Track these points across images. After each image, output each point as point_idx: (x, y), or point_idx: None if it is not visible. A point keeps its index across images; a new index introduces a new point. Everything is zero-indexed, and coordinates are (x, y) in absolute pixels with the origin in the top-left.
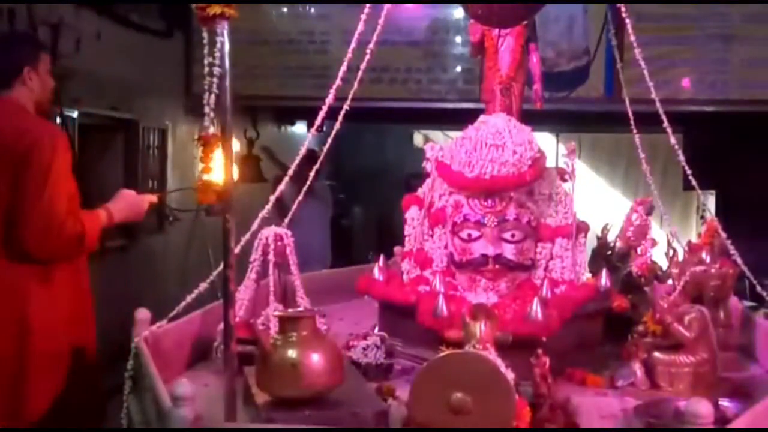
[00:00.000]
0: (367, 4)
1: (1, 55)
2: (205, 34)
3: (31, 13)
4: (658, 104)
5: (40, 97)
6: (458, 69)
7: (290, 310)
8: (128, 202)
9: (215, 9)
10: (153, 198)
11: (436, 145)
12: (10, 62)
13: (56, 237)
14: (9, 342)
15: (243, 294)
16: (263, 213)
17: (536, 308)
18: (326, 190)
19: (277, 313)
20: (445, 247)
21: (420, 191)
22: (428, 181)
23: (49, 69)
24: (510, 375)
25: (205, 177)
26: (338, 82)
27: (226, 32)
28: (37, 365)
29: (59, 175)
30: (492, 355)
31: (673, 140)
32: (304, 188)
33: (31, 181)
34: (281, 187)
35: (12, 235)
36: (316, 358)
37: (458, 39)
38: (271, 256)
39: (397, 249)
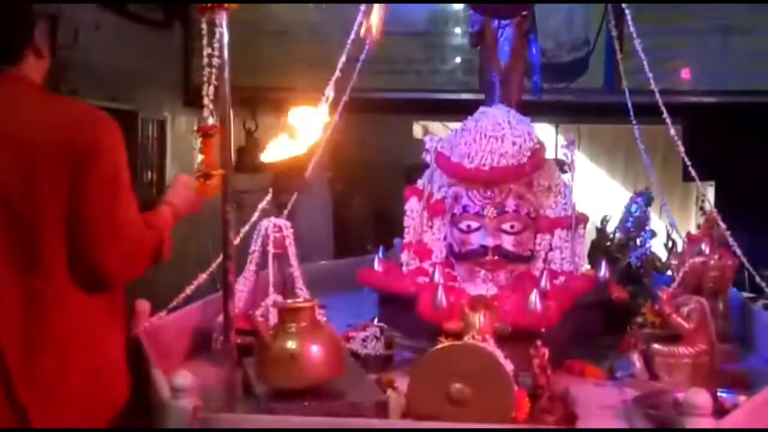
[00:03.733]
0: None
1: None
2: (204, 25)
3: (29, 4)
4: (657, 95)
5: (45, 72)
6: (458, 60)
7: (289, 301)
8: (189, 191)
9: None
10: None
11: (436, 136)
12: (18, 27)
13: (140, 257)
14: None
15: (242, 285)
16: (262, 204)
17: (535, 299)
18: (325, 182)
19: (276, 303)
20: (445, 238)
21: (419, 182)
22: (428, 172)
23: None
24: (509, 366)
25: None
26: (338, 73)
27: (225, 23)
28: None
29: (127, 176)
30: (491, 346)
31: (672, 131)
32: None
33: (99, 190)
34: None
35: (82, 263)
36: (315, 349)
37: (458, 30)
38: (270, 247)
39: (396, 240)
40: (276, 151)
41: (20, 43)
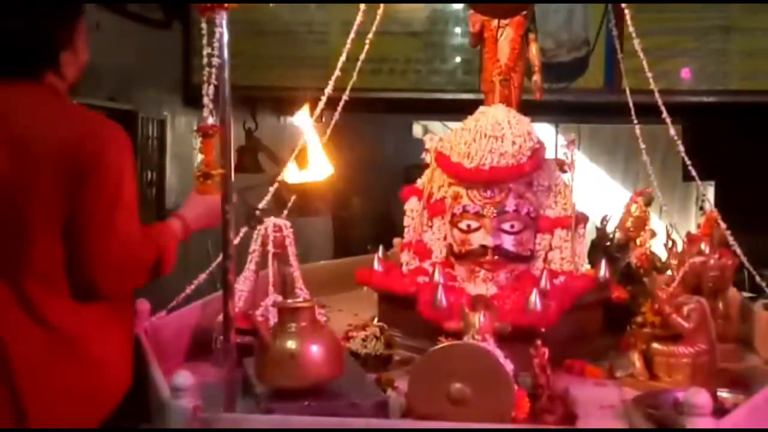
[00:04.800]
0: None
1: (32, 36)
2: (204, 25)
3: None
4: (657, 95)
5: (74, 79)
6: (457, 60)
7: (289, 300)
8: (206, 206)
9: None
10: None
11: (435, 136)
12: (44, 46)
13: (135, 271)
14: (76, 410)
15: (242, 285)
16: (262, 204)
17: (535, 299)
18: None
19: (276, 303)
20: (444, 238)
21: (419, 182)
22: (427, 172)
23: (85, 41)
24: (509, 366)
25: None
26: (337, 72)
27: (225, 22)
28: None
29: (131, 190)
30: (491, 345)
31: (672, 131)
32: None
33: (97, 203)
34: (280, 177)
35: (75, 273)
36: (315, 349)
37: (457, 30)
38: (270, 247)
39: (396, 240)
40: (298, 174)
41: (41, 58)
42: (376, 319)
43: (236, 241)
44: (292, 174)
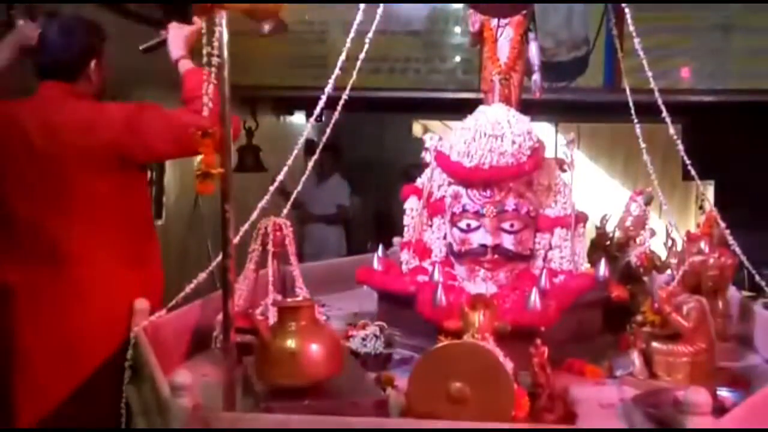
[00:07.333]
0: None
1: (70, 44)
2: (203, 24)
3: (30, 4)
4: (657, 94)
5: (98, 89)
6: (457, 59)
7: (289, 299)
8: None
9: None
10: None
11: (435, 135)
12: (79, 53)
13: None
14: None
15: (242, 284)
16: (262, 203)
17: (535, 298)
18: (341, 184)
19: (276, 302)
20: (444, 237)
21: (419, 181)
22: (427, 171)
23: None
24: (509, 365)
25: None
26: (337, 71)
27: (224, 22)
28: None
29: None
30: (491, 344)
31: (672, 130)
32: (304, 181)
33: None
34: (281, 177)
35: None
36: (314, 348)
37: (457, 29)
38: (270, 246)
39: (396, 239)
40: None
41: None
42: (375, 318)
43: (236, 240)
44: None
